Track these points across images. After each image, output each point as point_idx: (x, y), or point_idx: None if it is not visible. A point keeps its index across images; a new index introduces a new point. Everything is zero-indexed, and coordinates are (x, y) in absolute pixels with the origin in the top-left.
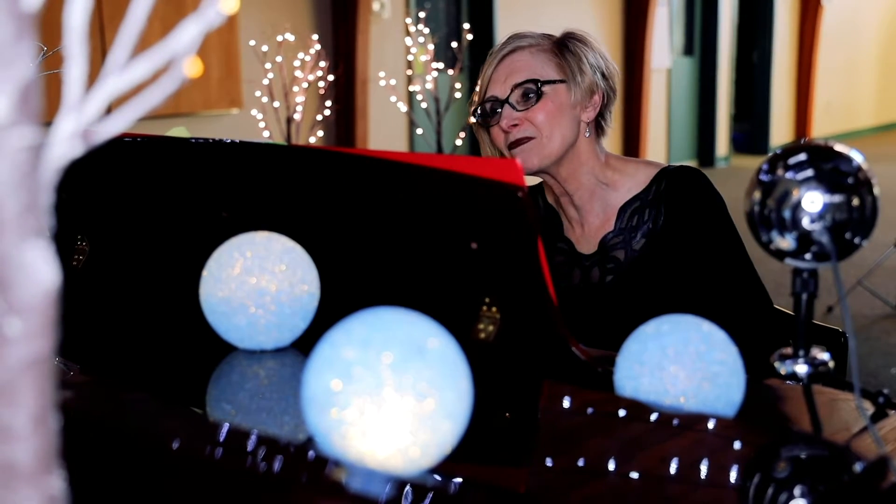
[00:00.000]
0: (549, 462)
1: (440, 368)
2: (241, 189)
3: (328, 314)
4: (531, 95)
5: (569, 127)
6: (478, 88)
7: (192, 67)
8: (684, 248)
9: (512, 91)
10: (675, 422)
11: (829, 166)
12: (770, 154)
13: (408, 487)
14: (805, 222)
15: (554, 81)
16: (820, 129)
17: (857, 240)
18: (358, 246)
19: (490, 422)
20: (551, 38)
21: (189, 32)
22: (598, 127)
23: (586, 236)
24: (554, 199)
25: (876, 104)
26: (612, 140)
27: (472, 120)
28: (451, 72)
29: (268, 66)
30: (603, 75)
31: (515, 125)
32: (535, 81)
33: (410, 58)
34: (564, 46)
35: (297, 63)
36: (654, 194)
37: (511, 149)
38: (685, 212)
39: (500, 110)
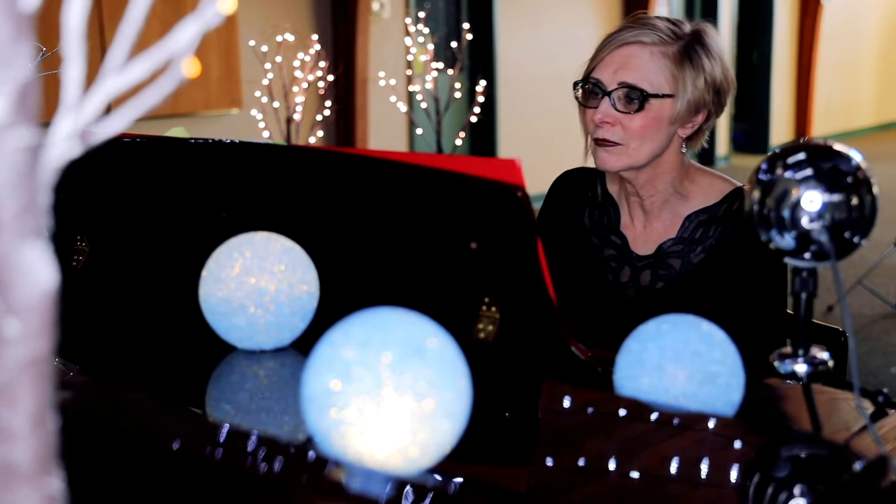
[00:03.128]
0: (549, 462)
1: (439, 368)
2: (240, 189)
3: (327, 314)
4: (635, 101)
5: (662, 140)
6: (589, 60)
7: (190, 67)
8: (739, 269)
9: (618, 87)
10: (675, 422)
11: (828, 165)
12: (769, 153)
13: (408, 487)
14: (804, 221)
15: (662, 96)
16: (820, 129)
17: (856, 239)
18: (357, 246)
19: (490, 422)
20: (678, 36)
21: (188, 32)
22: (691, 138)
23: (645, 238)
24: (618, 192)
25: (876, 104)
26: None
27: (575, 91)
28: (450, 72)
29: (267, 66)
30: (716, 91)
31: (608, 122)
32: (642, 91)
33: (410, 58)
34: (687, 56)
35: (296, 63)
36: (725, 212)
37: (596, 143)
38: (750, 234)
39: (599, 96)
